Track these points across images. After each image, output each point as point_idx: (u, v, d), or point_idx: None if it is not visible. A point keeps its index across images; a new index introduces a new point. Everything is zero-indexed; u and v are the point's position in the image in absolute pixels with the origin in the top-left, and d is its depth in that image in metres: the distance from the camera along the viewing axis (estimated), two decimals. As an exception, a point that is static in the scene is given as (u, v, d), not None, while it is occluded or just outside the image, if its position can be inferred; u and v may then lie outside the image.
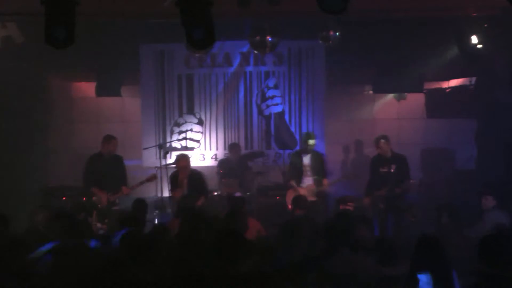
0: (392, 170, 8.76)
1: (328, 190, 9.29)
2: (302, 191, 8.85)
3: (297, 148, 10.43)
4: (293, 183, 9.12)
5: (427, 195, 10.04)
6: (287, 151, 10.70)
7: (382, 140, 8.87)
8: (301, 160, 9.21)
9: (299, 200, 7.84)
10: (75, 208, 7.23)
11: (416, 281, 4.69)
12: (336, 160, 11.31)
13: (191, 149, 11.21)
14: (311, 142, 9.21)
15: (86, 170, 9.00)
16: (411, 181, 8.90)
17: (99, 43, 9.74)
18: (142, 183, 9.09)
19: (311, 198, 8.67)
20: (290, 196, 8.80)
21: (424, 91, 11.13)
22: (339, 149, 11.66)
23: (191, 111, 11.27)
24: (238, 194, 9.39)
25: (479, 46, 9.16)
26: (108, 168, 8.96)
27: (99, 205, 8.53)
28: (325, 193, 9.22)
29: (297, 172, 9.18)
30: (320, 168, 9.22)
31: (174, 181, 9.07)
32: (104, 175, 8.89)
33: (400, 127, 11.04)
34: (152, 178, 9.17)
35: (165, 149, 10.25)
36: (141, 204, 7.67)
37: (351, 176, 9.31)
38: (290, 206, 8.49)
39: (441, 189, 10.10)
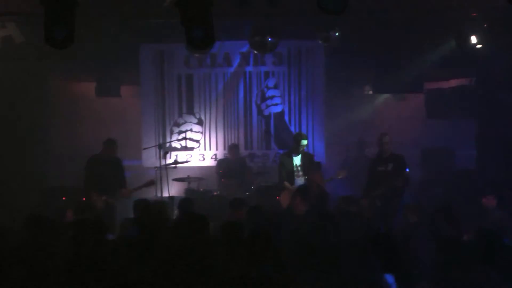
0: (389, 169, 8.79)
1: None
2: None
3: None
4: (287, 184, 9.10)
5: (427, 195, 10.03)
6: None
7: (386, 137, 8.94)
8: (292, 161, 9.19)
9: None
10: (79, 208, 7.22)
11: None
12: (336, 159, 11.29)
13: (191, 149, 11.22)
14: (304, 142, 9.22)
15: (86, 172, 9.05)
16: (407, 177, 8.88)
17: (99, 43, 9.73)
18: (140, 188, 9.13)
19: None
20: (285, 197, 8.78)
21: (424, 91, 11.13)
22: (338, 149, 11.64)
23: (190, 111, 11.27)
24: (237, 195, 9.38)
25: (479, 46, 9.16)
26: (107, 170, 8.99)
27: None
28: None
29: (289, 173, 9.16)
30: (310, 168, 9.22)
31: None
32: (102, 177, 8.92)
33: (400, 127, 11.01)
34: (151, 183, 9.21)
35: (165, 149, 10.27)
36: (143, 204, 7.66)
37: (342, 174, 9.28)
38: (285, 207, 8.48)
39: (441, 189, 10.08)
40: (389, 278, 4.70)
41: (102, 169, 8.97)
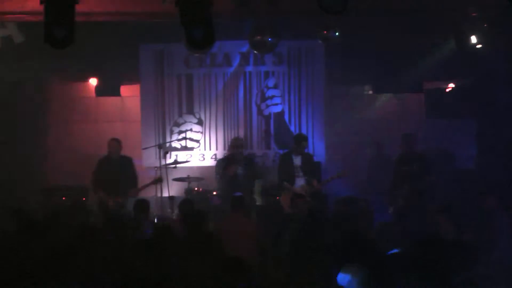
0: (414, 169, 8.90)
1: (323, 190, 9.29)
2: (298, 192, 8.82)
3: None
4: (287, 184, 9.10)
5: (427, 195, 10.03)
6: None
7: (410, 137, 9.00)
8: (292, 161, 9.20)
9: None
10: (75, 208, 7.26)
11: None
12: (336, 159, 11.28)
13: (191, 149, 11.21)
14: (305, 143, 9.24)
15: (94, 174, 9.15)
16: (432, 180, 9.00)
17: (98, 43, 9.73)
18: (147, 185, 9.20)
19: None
20: (285, 198, 8.78)
21: (424, 91, 11.13)
22: (339, 149, 11.63)
23: (190, 111, 11.26)
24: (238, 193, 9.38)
25: (479, 46, 9.16)
26: (117, 170, 9.07)
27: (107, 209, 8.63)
28: (320, 193, 9.22)
29: (289, 173, 9.17)
30: (310, 169, 9.23)
31: None
32: (112, 178, 8.99)
33: (400, 127, 11.00)
34: (158, 180, 9.26)
35: (164, 149, 10.29)
36: (142, 205, 7.68)
37: (343, 174, 9.31)
38: (286, 208, 8.50)
39: (441, 189, 10.08)
40: (345, 279, 4.59)
41: (111, 170, 9.07)
